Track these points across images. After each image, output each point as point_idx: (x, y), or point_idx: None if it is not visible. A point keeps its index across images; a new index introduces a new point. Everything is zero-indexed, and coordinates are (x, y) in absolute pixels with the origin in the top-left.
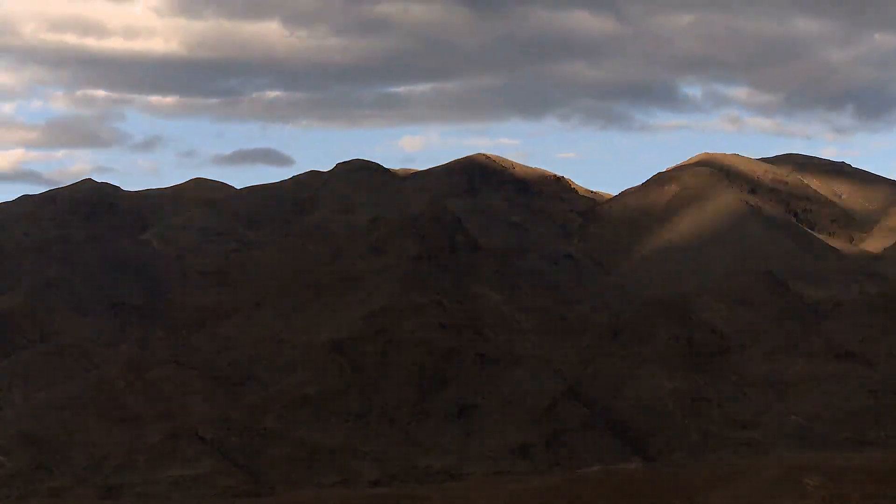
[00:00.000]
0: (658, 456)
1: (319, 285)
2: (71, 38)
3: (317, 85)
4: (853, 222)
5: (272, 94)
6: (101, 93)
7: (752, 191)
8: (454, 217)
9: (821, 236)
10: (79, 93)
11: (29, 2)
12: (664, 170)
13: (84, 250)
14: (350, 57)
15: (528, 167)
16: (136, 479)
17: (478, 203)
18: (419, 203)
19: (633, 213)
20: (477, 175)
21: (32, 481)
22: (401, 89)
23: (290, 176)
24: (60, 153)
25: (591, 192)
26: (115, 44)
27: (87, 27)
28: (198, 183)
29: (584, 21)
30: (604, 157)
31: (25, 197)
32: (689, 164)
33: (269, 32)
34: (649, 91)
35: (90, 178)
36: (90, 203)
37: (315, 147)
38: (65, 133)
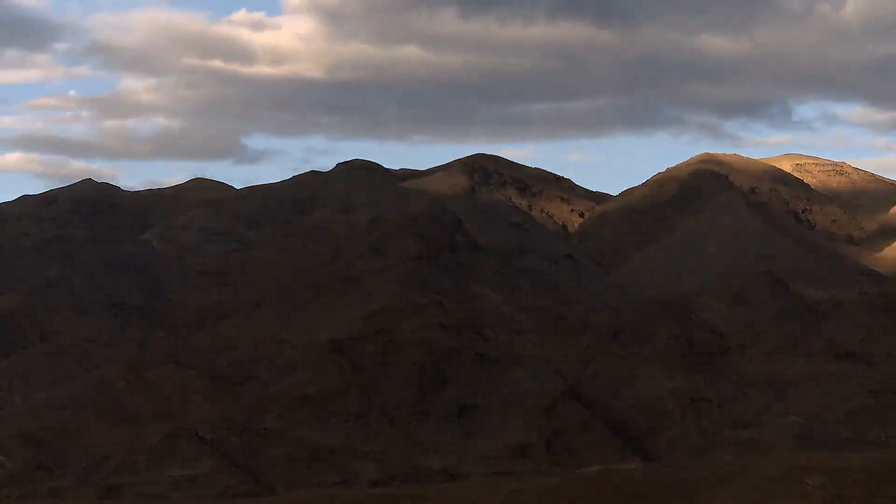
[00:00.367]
0: (658, 456)
1: (319, 285)
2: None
3: (441, 103)
4: (853, 222)
5: (411, 111)
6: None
7: (753, 191)
8: (454, 217)
9: (821, 236)
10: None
11: (175, 27)
12: (664, 170)
13: (84, 250)
14: (477, 76)
15: (528, 167)
16: (136, 479)
17: (478, 203)
18: (419, 203)
19: (633, 213)
20: (477, 175)
21: (32, 481)
22: (540, 106)
23: None
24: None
25: (592, 192)
26: (260, 69)
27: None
28: (198, 183)
29: (710, 42)
30: None
31: (25, 197)
32: (689, 164)
33: (407, 55)
34: (764, 108)
35: (90, 179)
36: (90, 203)
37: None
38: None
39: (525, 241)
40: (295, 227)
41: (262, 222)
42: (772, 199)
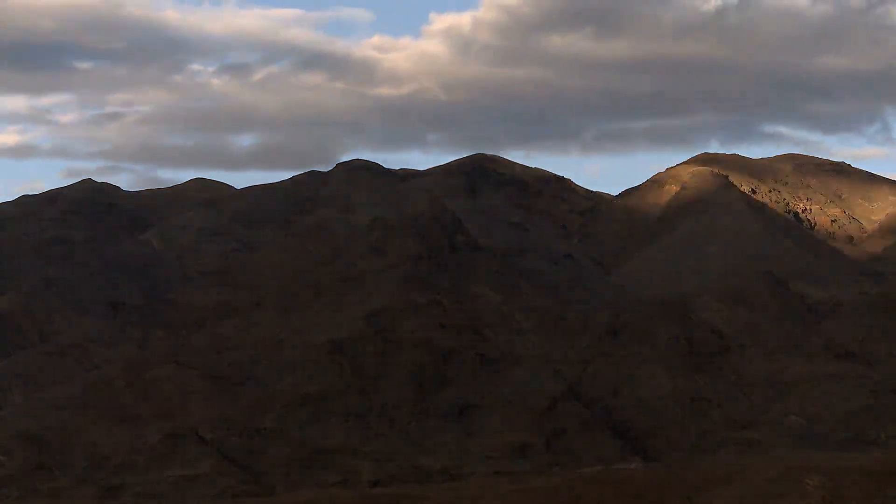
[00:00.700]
0: (658, 456)
1: (319, 285)
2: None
3: (548, 119)
4: (853, 222)
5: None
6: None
7: (753, 191)
8: (454, 217)
9: (821, 236)
10: None
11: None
12: (664, 169)
13: (84, 250)
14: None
15: (528, 167)
16: (136, 479)
17: (478, 203)
18: (419, 203)
19: (633, 213)
20: (477, 175)
21: (32, 481)
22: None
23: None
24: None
25: (592, 192)
26: (382, 90)
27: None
28: (198, 183)
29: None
30: None
31: (25, 197)
32: (689, 164)
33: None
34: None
35: (90, 178)
36: (90, 203)
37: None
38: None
39: (525, 241)
40: (295, 227)
41: (262, 222)
42: (772, 199)
